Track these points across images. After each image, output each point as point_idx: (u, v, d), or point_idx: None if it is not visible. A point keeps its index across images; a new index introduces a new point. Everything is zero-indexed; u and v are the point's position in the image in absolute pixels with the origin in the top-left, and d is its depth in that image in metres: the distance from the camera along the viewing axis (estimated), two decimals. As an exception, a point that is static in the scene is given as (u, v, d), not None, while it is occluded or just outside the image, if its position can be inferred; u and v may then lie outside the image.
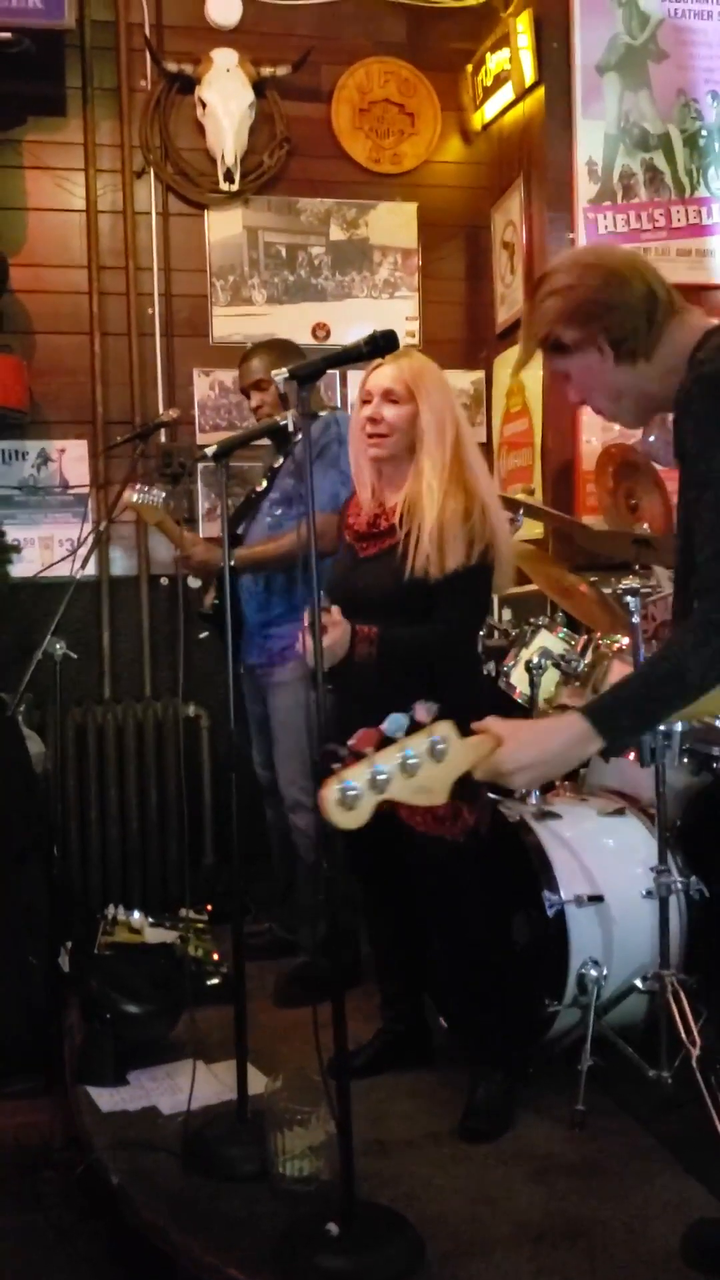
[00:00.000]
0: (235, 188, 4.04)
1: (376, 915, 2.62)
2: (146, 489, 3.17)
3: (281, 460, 3.26)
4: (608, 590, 3.03)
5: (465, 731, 1.45)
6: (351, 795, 1.31)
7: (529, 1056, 2.47)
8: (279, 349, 3.33)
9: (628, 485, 3.68)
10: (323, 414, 3.09)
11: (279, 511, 3.17)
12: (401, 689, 2.27)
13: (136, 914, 3.21)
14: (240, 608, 3.18)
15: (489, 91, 4.16)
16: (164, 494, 3.24)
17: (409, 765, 1.34)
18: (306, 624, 1.97)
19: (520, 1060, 2.46)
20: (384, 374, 2.34)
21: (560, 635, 2.99)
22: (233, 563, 2.99)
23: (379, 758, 1.33)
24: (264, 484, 3.28)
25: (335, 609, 2.27)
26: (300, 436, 2.91)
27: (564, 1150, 2.22)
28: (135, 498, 3.14)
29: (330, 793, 1.31)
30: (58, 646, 3.17)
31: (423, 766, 1.35)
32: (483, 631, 2.92)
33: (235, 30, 4.08)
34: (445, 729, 1.37)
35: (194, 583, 3.65)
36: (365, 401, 2.36)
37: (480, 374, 4.36)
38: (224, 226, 4.16)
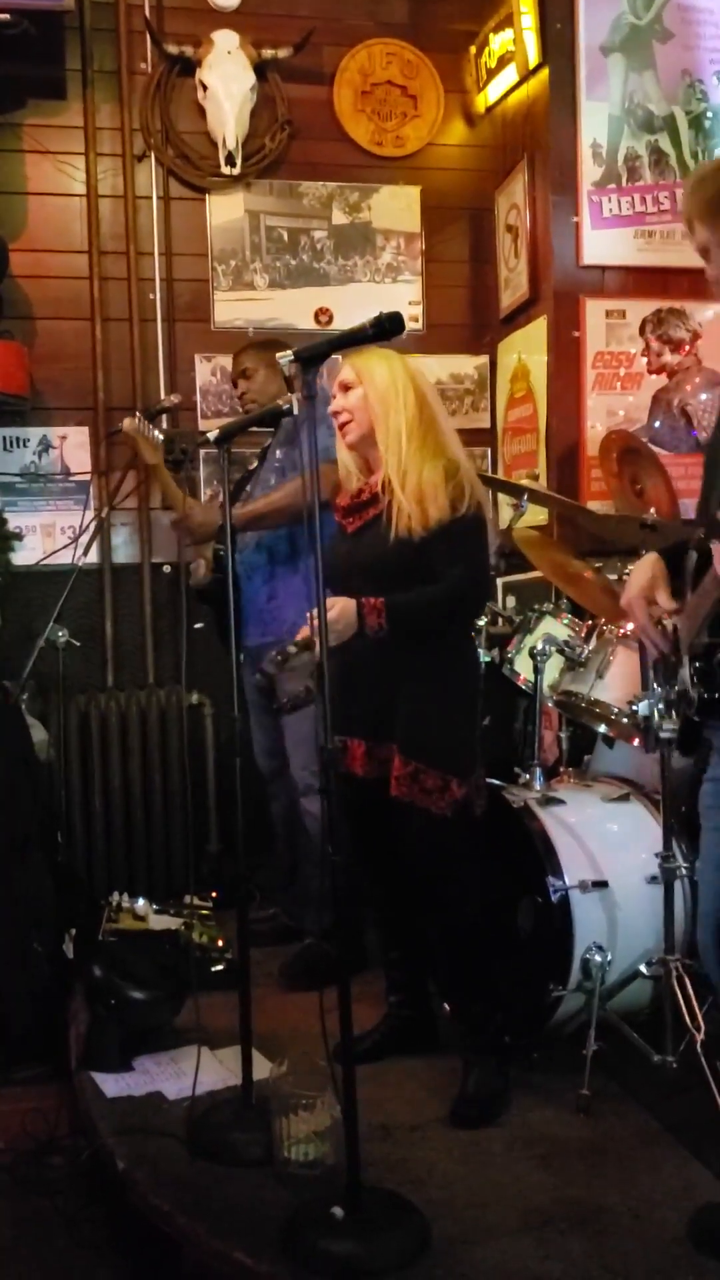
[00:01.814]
0: (237, 171, 4.01)
1: (382, 901, 2.61)
2: (147, 423, 3.14)
3: (271, 438, 3.25)
4: (613, 576, 3.02)
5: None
6: None
7: (534, 1041, 2.48)
8: (274, 344, 3.32)
9: (632, 470, 3.67)
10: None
11: (272, 483, 3.16)
12: (401, 662, 2.32)
13: (141, 901, 3.20)
14: (240, 586, 3.16)
15: (492, 73, 4.13)
16: (162, 436, 3.20)
17: None
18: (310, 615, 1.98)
19: (520, 1047, 2.46)
20: (341, 371, 2.43)
21: (565, 622, 2.98)
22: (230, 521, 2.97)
23: None
24: (255, 462, 3.29)
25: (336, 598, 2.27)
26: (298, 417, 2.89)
27: (569, 1135, 2.22)
28: (136, 424, 3.10)
29: None
30: (60, 634, 3.17)
31: None
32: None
33: (236, 12, 4.05)
34: None
35: (190, 558, 3.60)
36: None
37: (484, 359, 4.34)
38: (225, 210, 4.14)
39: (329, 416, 2.93)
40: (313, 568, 1.91)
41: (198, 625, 3.25)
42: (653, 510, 3.02)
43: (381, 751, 2.37)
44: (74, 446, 4.03)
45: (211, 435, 2.39)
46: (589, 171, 3.83)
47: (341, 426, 2.44)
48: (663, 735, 2.39)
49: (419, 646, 2.34)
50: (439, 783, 2.30)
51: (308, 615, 2.33)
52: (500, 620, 3.30)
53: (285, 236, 4.19)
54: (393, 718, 2.35)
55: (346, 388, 2.43)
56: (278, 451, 3.19)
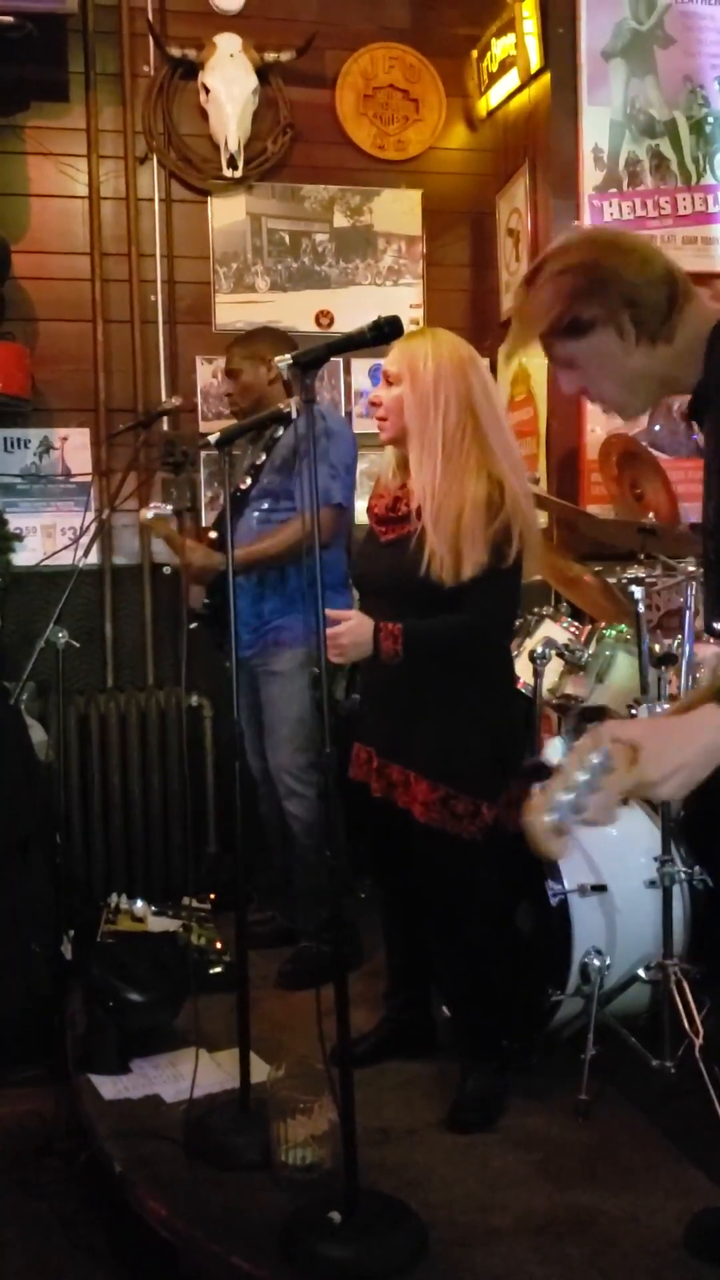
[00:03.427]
0: (239, 174, 4.01)
1: (390, 907, 2.60)
2: (159, 506, 3.31)
3: (264, 457, 3.24)
4: (612, 580, 3.02)
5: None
6: (561, 825, 1.25)
7: (532, 1046, 2.47)
8: (263, 339, 3.32)
9: (632, 475, 3.67)
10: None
11: (266, 507, 3.16)
12: (430, 683, 2.28)
13: (139, 902, 3.21)
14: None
15: (494, 77, 4.13)
16: (170, 507, 3.39)
17: (594, 786, 1.25)
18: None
19: (518, 1051, 2.46)
20: (389, 356, 2.32)
21: (564, 625, 2.98)
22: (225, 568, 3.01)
23: (570, 784, 1.24)
24: (248, 481, 3.27)
25: (352, 610, 2.26)
26: (288, 428, 2.89)
27: (567, 1139, 2.22)
28: (150, 514, 3.24)
29: (541, 824, 1.24)
30: (60, 635, 3.16)
31: (602, 784, 1.26)
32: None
33: (239, 15, 4.06)
34: (604, 741, 1.25)
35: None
36: None
37: (485, 362, 4.34)
38: (227, 213, 4.14)
39: (329, 455, 2.90)
40: (311, 584, 1.89)
41: (192, 625, 3.27)
42: (652, 515, 3.02)
43: (391, 772, 2.33)
44: (75, 448, 4.03)
45: (212, 438, 2.39)
46: (590, 176, 3.84)
47: (377, 419, 2.35)
48: None
49: (454, 674, 2.27)
50: (470, 808, 2.24)
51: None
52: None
53: (287, 239, 4.19)
54: (412, 743, 2.29)
55: (389, 380, 2.30)
56: (274, 476, 3.17)
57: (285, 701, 3.11)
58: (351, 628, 2.21)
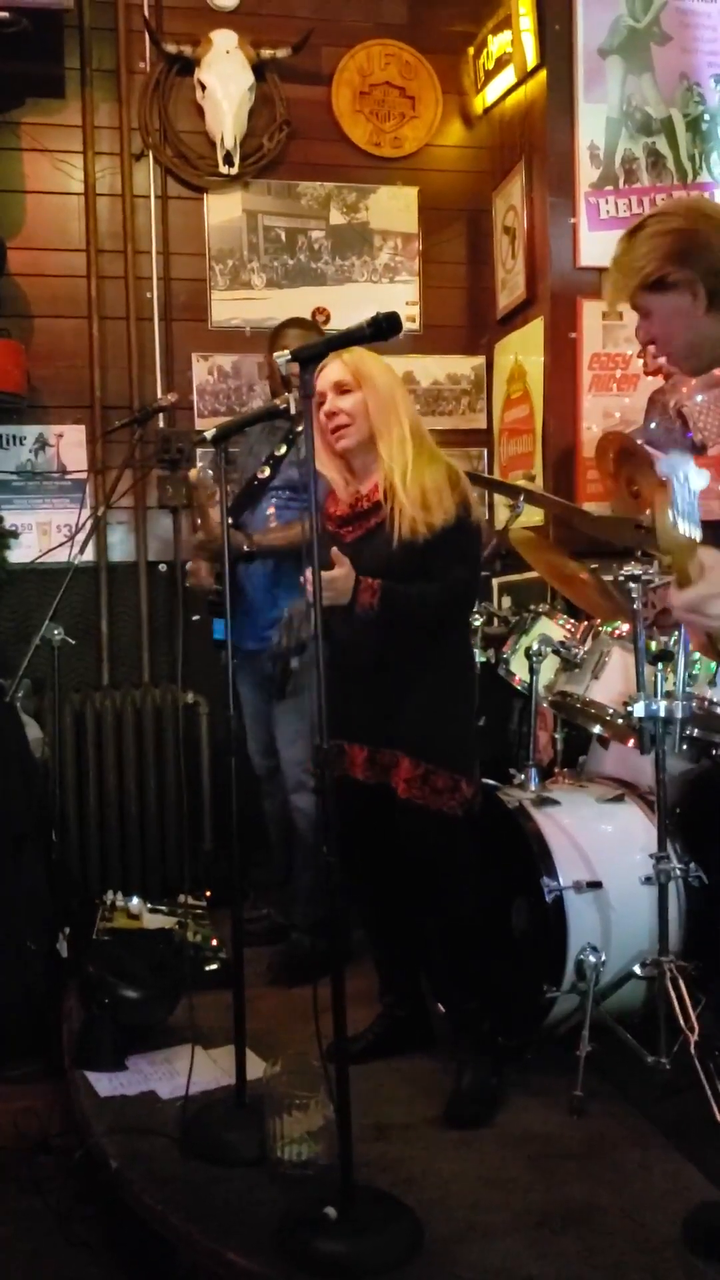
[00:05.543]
0: (235, 171, 4.02)
1: (374, 900, 2.61)
2: (203, 466, 3.27)
3: (285, 449, 3.24)
4: (608, 577, 3.02)
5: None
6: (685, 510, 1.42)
7: (527, 1042, 2.48)
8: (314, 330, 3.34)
9: (628, 472, 3.66)
10: None
11: (285, 499, 3.16)
12: (403, 667, 2.32)
13: (135, 900, 3.21)
14: (242, 593, 3.17)
15: (490, 75, 4.13)
16: (211, 472, 3.31)
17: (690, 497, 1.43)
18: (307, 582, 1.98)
19: (514, 1047, 2.46)
20: (330, 370, 2.39)
21: (560, 622, 2.98)
22: (252, 549, 3.01)
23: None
24: (266, 471, 3.26)
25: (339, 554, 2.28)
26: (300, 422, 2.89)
27: (563, 1135, 2.22)
28: (206, 474, 3.24)
29: (669, 516, 1.41)
30: (56, 632, 3.16)
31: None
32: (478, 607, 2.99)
33: (235, 12, 4.06)
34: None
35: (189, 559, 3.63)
36: (320, 404, 2.39)
37: (481, 359, 4.34)
38: (223, 210, 4.14)
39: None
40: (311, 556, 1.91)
41: (195, 617, 3.27)
42: (648, 512, 3.02)
43: (383, 757, 2.37)
44: (70, 445, 4.03)
45: (208, 434, 2.39)
46: (586, 173, 3.84)
47: (337, 429, 2.39)
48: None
49: (419, 650, 2.33)
50: (450, 783, 2.31)
51: (301, 580, 2.31)
52: (496, 621, 3.30)
53: (283, 236, 4.19)
54: (394, 723, 2.34)
55: (344, 390, 2.38)
56: (293, 472, 3.17)
57: (294, 696, 3.10)
58: (344, 574, 2.27)
